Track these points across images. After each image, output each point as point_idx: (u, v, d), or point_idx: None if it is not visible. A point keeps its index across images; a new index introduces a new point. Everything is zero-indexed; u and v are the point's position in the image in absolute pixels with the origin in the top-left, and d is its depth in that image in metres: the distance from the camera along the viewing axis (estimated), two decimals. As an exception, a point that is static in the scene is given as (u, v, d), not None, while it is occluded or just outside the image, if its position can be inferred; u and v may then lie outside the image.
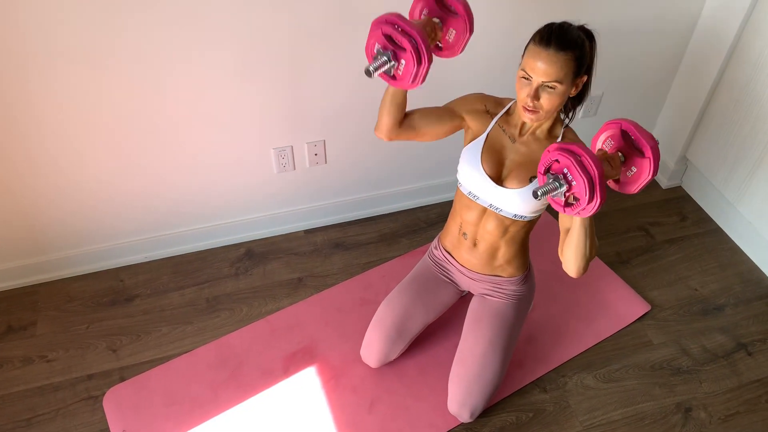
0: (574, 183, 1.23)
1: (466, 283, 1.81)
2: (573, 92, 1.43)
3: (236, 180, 2.09)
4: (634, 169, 1.32)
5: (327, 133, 2.07)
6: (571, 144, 1.25)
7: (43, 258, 2.07)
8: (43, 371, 1.87)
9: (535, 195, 1.26)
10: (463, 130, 1.64)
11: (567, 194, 1.26)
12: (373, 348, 1.81)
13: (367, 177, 2.26)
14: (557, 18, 1.44)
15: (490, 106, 1.59)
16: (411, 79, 1.32)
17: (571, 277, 2.13)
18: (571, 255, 1.44)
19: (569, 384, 1.88)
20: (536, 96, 1.39)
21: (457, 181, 1.63)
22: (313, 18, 1.77)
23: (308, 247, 2.27)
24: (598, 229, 2.36)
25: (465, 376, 1.70)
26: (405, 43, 1.26)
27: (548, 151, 1.28)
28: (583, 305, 2.08)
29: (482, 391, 1.69)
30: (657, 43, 2.24)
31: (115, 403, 1.79)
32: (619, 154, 1.33)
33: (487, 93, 1.62)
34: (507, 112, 1.58)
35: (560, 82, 1.36)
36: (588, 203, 1.23)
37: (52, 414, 1.77)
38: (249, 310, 2.06)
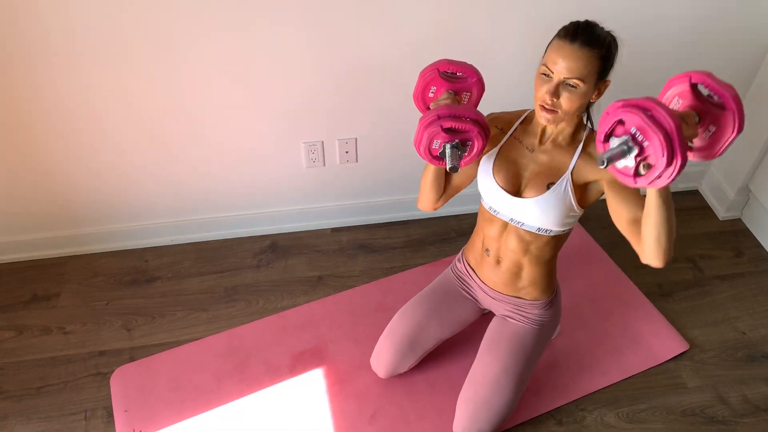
0: (646, 143, 1.02)
1: (487, 302, 1.71)
2: (594, 97, 1.33)
3: (265, 171, 2.07)
4: (713, 128, 1.10)
5: (359, 131, 2.01)
6: (638, 99, 1.05)
7: (74, 231, 2.12)
8: (59, 342, 1.90)
9: (601, 162, 1.06)
10: None
11: (638, 159, 1.05)
12: (382, 358, 1.74)
13: (398, 179, 2.19)
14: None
15: (501, 124, 1.51)
16: (479, 153, 1.35)
17: (602, 304, 2.01)
18: (654, 241, 1.23)
19: (588, 419, 1.75)
20: (556, 93, 1.28)
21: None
22: (353, 17, 1.72)
23: (333, 246, 2.23)
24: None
25: (474, 399, 1.61)
26: (468, 125, 1.28)
27: (607, 112, 1.08)
28: (613, 336, 1.94)
29: (490, 419, 1.58)
30: (726, 61, 2.06)
31: (122, 383, 1.80)
32: (694, 113, 1.12)
33: (496, 111, 1.53)
34: (523, 122, 1.48)
35: (583, 81, 1.26)
36: (667, 166, 1.01)
37: (60, 385, 1.80)
38: (265, 303, 2.03)
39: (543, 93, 1.30)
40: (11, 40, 1.61)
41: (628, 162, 1.07)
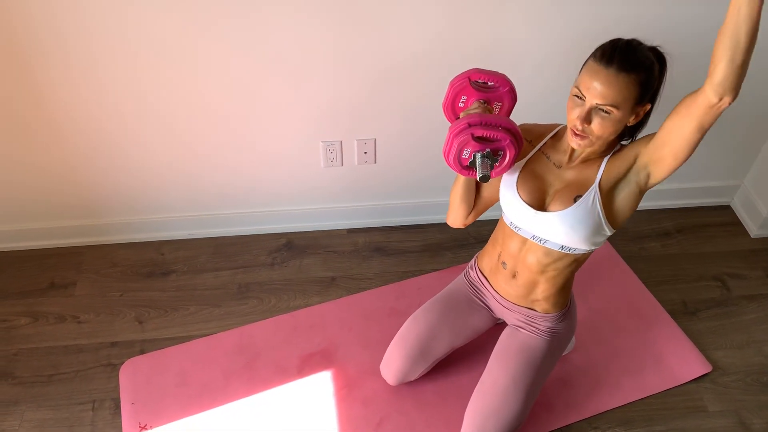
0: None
1: (499, 311, 1.67)
2: (632, 121, 1.26)
3: (283, 169, 2.05)
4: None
5: (378, 132, 1.98)
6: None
7: (95, 221, 2.13)
8: (73, 331, 1.92)
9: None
10: None
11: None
12: (393, 364, 1.71)
13: (417, 182, 2.15)
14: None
15: (531, 137, 1.45)
16: (510, 163, 1.32)
17: (622, 321, 1.95)
18: (727, 55, 1.02)
19: (601, 439, 1.69)
20: (587, 119, 1.22)
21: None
22: (377, 16, 1.69)
23: (348, 247, 2.20)
24: (668, 271, 2.14)
25: (481, 410, 1.57)
26: (500, 134, 1.26)
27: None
28: (632, 354, 1.88)
29: (498, 431, 1.54)
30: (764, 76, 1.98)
31: (131, 375, 1.81)
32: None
33: (529, 122, 1.48)
34: (554, 137, 1.42)
35: (617, 108, 1.19)
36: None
37: (71, 374, 1.81)
38: (277, 302, 2.02)
39: (574, 117, 1.24)
40: (29, 42, 1.63)
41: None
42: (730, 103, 1.09)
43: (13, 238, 2.13)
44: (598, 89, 1.18)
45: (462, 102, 1.38)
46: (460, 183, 1.46)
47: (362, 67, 1.81)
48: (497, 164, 1.31)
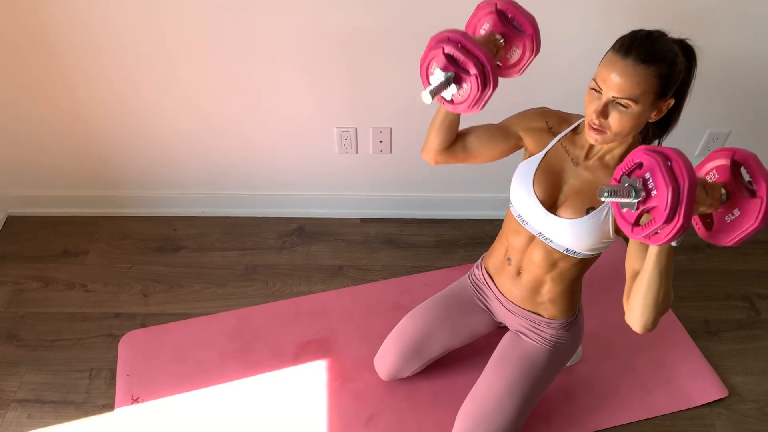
0: (654, 192, 0.94)
1: (502, 314, 1.60)
2: (654, 116, 1.17)
3: (297, 153, 2.02)
4: (737, 212, 1.00)
5: (395, 122, 1.93)
6: (663, 147, 0.97)
7: (111, 192, 2.15)
8: (79, 299, 1.94)
9: (600, 193, 0.98)
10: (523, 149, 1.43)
11: (642, 206, 0.97)
12: (386, 360, 1.67)
13: (433, 176, 2.09)
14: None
15: (552, 122, 1.36)
16: (471, 105, 1.14)
17: (637, 335, 1.85)
18: (638, 302, 1.16)
19: (599, 457, 1.61)
20: (604, 113, 1.14)
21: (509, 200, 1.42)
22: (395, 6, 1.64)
23: (359, 237, 2.16)
24: (692, 287, 2.02)
25: (473, 415, 1.51)
26: (470, 65, 1.09)
27: (632, 153, 1.00)
28: (643, 370, 1.78)
29: (487, 438, 1.48)
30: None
31: (129, 347, 1.82)
32: (723, 189, 1.02)
33: (553, 108, 1.39)
34: (574, 131, 1.33)
35: (635, 101, 1.11)
36: (665, 222, 0.93)
37: (73, 342, 1.83)
38: (281, 286, 2.00)
39: (591, 111, 1.16)
40: (48, 11, 1.64)
41: (632, 206, 0.99)
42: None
43: (31, 203, 2.17)
44: (615, 81, 1.10)
45: (483, 29, 1.22)
46: (440, 113, 1.33)
47: (380, 55, 1.75)
48: (456, 96, 1.14)
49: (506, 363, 1.53)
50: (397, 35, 1.71)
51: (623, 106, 1.13)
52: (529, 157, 1.37)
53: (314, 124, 1.93)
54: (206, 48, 1.74)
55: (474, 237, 2.17)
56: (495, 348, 1.61)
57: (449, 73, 1.11)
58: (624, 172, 1.00)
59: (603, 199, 0.98)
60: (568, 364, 1.78)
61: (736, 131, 1.96)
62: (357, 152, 2.01)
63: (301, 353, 1.81)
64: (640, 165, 0.98)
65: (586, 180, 1.29)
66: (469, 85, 1.11)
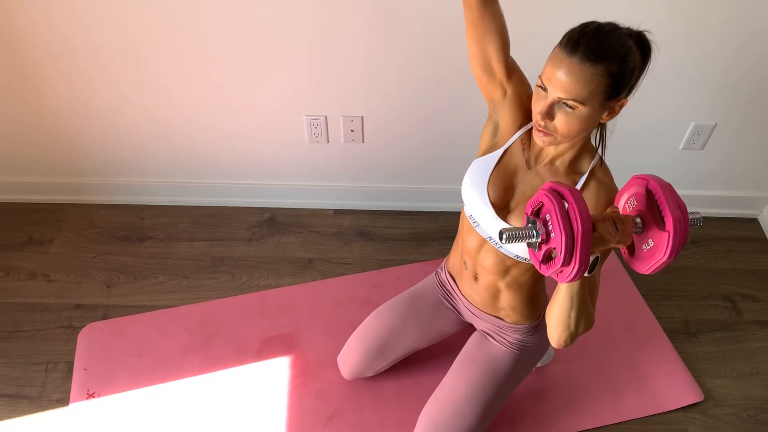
0: (552, 235, 0.93)
1: (468, 316, 1.53)
2: (606, 118, 1.08)
3: (267, 142, 1.96)
4: (651, 243, 0.95)
5: (366, 110, 1.86)
6: (565, 187, 0.93)
7: (79, 180, 2.10)
8: (41, 289, 1.89)
9: (500, 235, 0.95)
10: (488, 112, 1.28)
11: (545, 247, 0.96)
12: (349, 359, 1.61)
13: (408, 166, 2.02)
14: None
15: (529, 101, 1.23)
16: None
17: (612, 335, 1.79)
18: (552, 320, 1.13)
19: (566, 462, 1.56)
20: (550, 114, 1.06)
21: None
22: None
23: (332, 228, 2.10)
24: (673, 285, 1.95)
25: (433, 418, 1.45)
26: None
27: (541, 189, 0.97)
28: (616, 372, 1.72)
29: (448, 442, 1.43)
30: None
31: (89, 340, 1.77)
32: (638, 219, 0.97)
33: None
34: (531, 130, 1.25)
35: (582, 103, 1.02)
36: (563, 265, 0.92)
37: (32, 333, 1.78)
38: (248, 279, 1.94)
39: (536, 111, 1.08)
40: (11, 5, 1.57)
41: (534, 246, 0.98)
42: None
43: (-1, 190, 2.12)
44: (560, 81, 1.01)
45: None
46: None
47: (350, 40, 1.68)
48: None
49: (470, 365, 1.47)
50: (367, 19, 1.63)
51: (570, 107, 1.04)
52: (489, 139, 1.26)
53: (283, 112, 1.86)
54: (173, 35, 1.67)
55: (450, 230, 2.10)
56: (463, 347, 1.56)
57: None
58: (533, 209, 0.98)
59: (502, 242, 0.96)
60: (538, 365, 1.73)
61: (722, 123, 1.88)
62: (328, 141, 1.94)
63: (264, 349, 1.76)
64: (542, 202, 0.96)
65: (534, 187, 1.20)
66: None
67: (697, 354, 1.78)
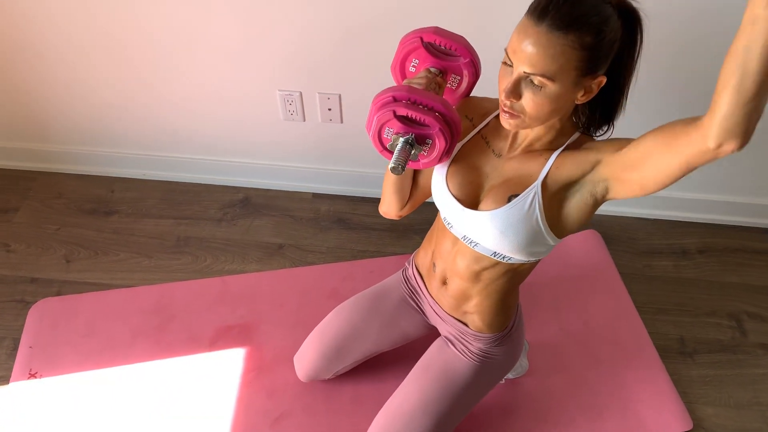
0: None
1: (434, 319, 1.39)
2: (581, 98, 0.93)
3: (240, 117, 1.83)
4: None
5: (344, 87, 1.71)
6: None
7: (50, 147, 2.00)
8: (-3, 260, 1.82)
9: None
10: None
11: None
12: (305, 359, 1.48)
13: (391, 152, 1.87)
14: None
15: (473, 113, 1.14)
16: (440, 157, 1.03)
17: (596, 349, 1.62)
18: (743, 92, 0.73)
19: (530, 486, 1.42)
20: (515, 92, 0.91)
21: None
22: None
23: (308, 213, 1.97)
24: (673, 298, 1.80)
25: (382, 428, 1.32)
26: (429, 118, 0.97)
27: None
28: (597, 390, 1.56)
29: (395, 457, 1.30)
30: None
31: (38, 316, 1.68)
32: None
33: (480, 95, 1.16)
34: (498, 119, 1.11)
35: (551, 79, 0.87)
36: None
37: (-19, 306, 1.71)
38: (212, 262, 1.83)
39: (501, 89, 0.94)
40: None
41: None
42: (733, 151, 0.77)
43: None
44: (526, 53, 0.86)
45: (413, 66, 1.10)
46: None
47: (326, 12, 1.52)
48: (423, 154, 1.02)
49: (426, 375, 1.33)
50: (341, -13, 1.48)
51: (537, 85, 0.89)
52: None
53: (255, 86, 1.73)
54: (141, 2, 1.54)
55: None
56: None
57: (410, 136, 0.99)
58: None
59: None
60: (511, 377, 1.58)
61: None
62: (304, 119, 1.80)
63: (218, 339, 1.65)
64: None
65: (511, 169, 1.06)
66: (437, 140, 1.00)
67: (691, 377, 1.61)
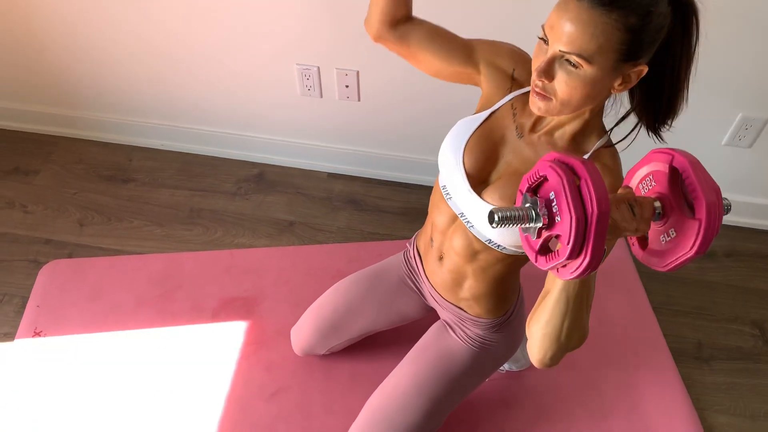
0: (558, 219, 0.71)
1: (431, 302, 1.36)
2: (619, 87, 0.87)
3: (258, 91, 1.81)
4: (674, 233, 0.75)
5: (362, 64, 1.67)
6: (576, 158, 0.72)
7: (74, 113, 2.03)
8: (15, 219, 1.84)
9: (491, 218, 0.73)
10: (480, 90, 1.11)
11: (545, 233, 0.74)
12: (301, 333, 1.47)
13: (408, 135, 1.84)
14: None
15: (520, 71, 1.05)
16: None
17: (607, 348, 1.56)
18: (537, 330, 0.90)
19: (525, 482, 1.37)
20: (548, 72, 0.85)
21: None
22: None
23: (321, 193, 1.94)
24: (694, 301, 1.70)
25: (376, 410, 1.29)
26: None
27: (542, 160, 0.75)
28: (604, 390, 1.50)
29: (385, 437, 1.27)
30: None
31: (48, 277, 1.70)
32: (657, 203, 0.77)
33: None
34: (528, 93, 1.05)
35: (588, 60, 0.81)
36: (569, 258, 0.71)
37: (-4, 263, 1.74)
38: (223, 235, 1.82)
39: (533, 69, 0.88)
40: None
41: (532, 231, 0.76)
42: None
43: (-7, 115, 2.08)
44: (563, 30, 0.81)
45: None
46: None
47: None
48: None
49: (422, 358, 1.30)
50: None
51: (572, 65, 0.83)
52: (480, 108, 1.08)
53: (272, 58, 1.71)
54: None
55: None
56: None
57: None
58: (530, 185, 0.76)
59: (493, 226, 0.73)
60: (515, 369, 1.53)
61: (777, 119, 1.59)
62: (321, 96, 1.77)
63: (222, 310, 1.64)
64: (545, 177, 0.73)
65: (525, 159, 1.01)
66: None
67: (705, 383, 1.53)
